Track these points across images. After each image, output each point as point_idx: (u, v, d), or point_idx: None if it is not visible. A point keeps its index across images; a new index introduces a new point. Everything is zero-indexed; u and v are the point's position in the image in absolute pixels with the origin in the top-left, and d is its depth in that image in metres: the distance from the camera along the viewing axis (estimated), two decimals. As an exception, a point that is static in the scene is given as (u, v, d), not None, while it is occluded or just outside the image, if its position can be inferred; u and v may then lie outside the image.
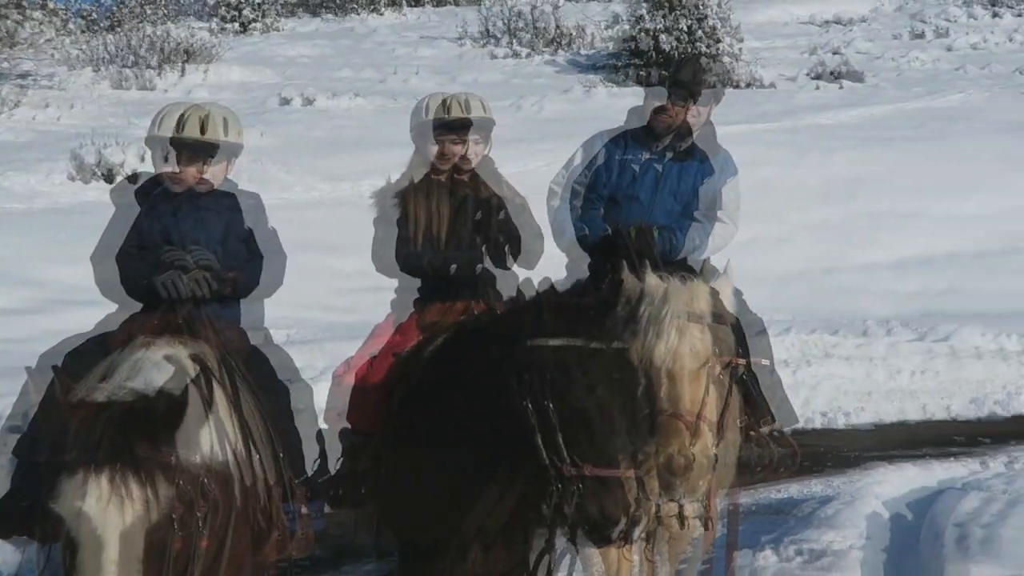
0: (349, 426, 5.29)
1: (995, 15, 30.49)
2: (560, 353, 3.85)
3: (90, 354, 4.40)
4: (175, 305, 4.60)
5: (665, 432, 4.10)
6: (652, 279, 4.38)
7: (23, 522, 4.31)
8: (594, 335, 3.85)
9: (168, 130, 4.83)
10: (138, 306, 4.81)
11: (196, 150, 4.85)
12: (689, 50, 22.00)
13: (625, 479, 3.69)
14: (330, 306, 12.86)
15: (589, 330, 3.87)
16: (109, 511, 3.12)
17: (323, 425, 5.27)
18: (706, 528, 4.58)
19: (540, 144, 16.78)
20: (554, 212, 5.82)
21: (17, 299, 12.21)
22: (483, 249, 5.36)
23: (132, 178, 5.20)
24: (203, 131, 4.83)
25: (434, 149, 5.39)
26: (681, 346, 4.14)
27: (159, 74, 22.61)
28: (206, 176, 4.90)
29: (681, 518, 4.33)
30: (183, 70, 23.02)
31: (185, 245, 4.75)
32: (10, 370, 6.63)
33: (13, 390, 5.38)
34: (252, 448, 4.18)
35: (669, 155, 5.70)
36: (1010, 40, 27.93)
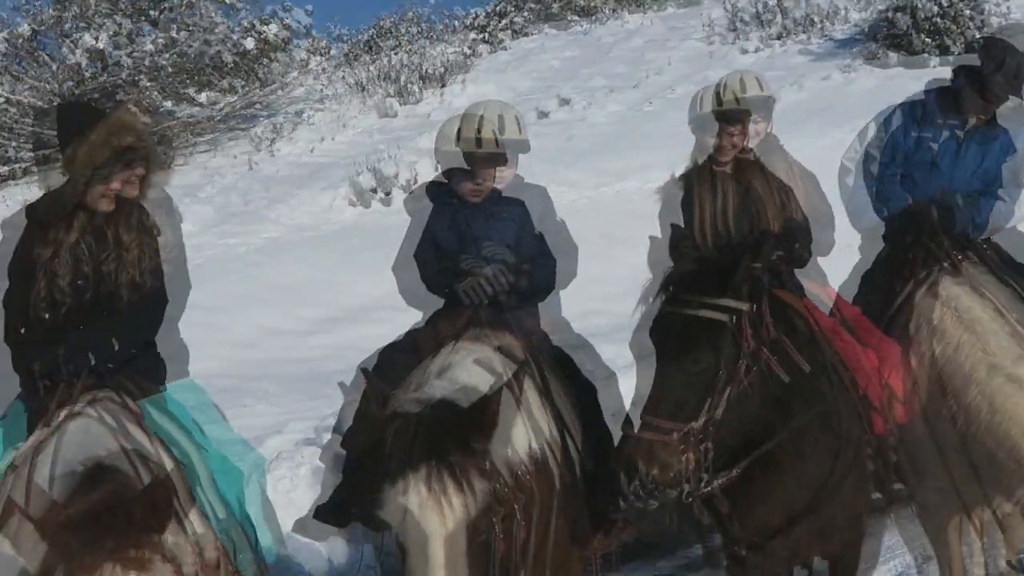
0: None
1: None
2: (647, 319, 4.05)
3: (401, 361, 4.58)
4: (476, 306, 4.70)
5: None
6: None
7: (353, 513, 4.50)
8: (675, 298, 3.98)
9: (467, 142, 4.93)
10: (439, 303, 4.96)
11: (490, 159, 4.95)
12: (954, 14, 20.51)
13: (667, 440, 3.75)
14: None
15: (676, 293, 4.00)
16: (430, 516, 3.21)
17: None
18: None
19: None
20: (849, 191, 5.64)
21: (319, 316, 12.91)
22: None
23: (425, 186, 5.39)
24: (500, 134, 4.92)
25: (711, 142, 5.30)
26: None
27: (421, 95, 23.45)
28: (499, 179, 5.00)
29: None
30: (443, 88, 23.78)
31: (479, 243, 4.85)
32: (327, 374, 7.10)
33: (327, 393, 5.64)
34: (568, 437, 4.19)
35: (970, 131, 5.45)
36: None
